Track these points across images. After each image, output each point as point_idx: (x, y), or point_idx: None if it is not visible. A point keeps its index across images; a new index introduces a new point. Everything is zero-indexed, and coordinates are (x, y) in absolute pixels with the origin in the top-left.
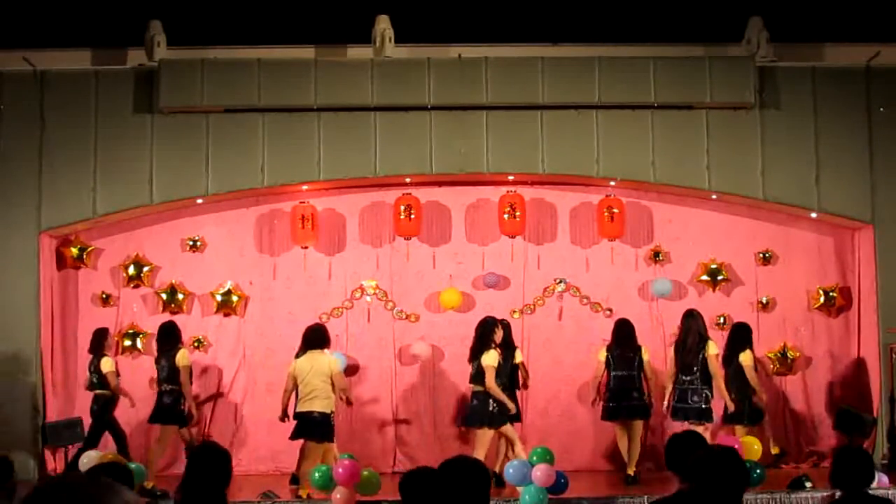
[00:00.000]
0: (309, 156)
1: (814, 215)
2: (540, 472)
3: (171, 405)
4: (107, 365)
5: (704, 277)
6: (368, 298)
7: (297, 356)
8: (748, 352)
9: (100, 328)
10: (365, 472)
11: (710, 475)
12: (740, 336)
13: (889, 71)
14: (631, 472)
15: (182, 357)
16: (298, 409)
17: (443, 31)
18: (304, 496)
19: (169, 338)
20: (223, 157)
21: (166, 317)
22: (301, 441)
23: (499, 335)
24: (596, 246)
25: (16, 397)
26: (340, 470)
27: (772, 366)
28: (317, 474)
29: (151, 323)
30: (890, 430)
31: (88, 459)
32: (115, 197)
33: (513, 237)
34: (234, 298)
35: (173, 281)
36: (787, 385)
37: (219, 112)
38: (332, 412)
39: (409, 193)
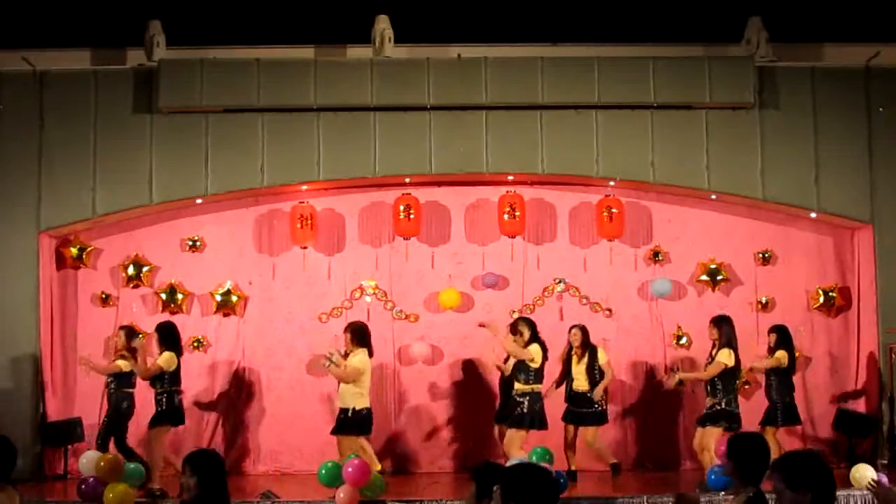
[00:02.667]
0: (308, 156)
1: (813, 215)
2: None
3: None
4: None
5: (704, 277)
6: (368, 298)
7: (351, 352)
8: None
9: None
10: (373, 474)
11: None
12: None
13: (888, 71)
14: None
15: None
16: (367, 405)
17: (442, 31)
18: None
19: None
20: (222, 158)
21: (166, 316)
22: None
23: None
24: (595, 246)
25: (16, 397)
26: (350, 469)
27: None
28: (323, 470)
29: (151, 323)
30: (890, 430)
31: (87, 459)
32: (115, 197)
33: (512, 237)
34: (234, 298)
35: (173, 281)
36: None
37: (218, 112)
38: None
39: (409, 193)
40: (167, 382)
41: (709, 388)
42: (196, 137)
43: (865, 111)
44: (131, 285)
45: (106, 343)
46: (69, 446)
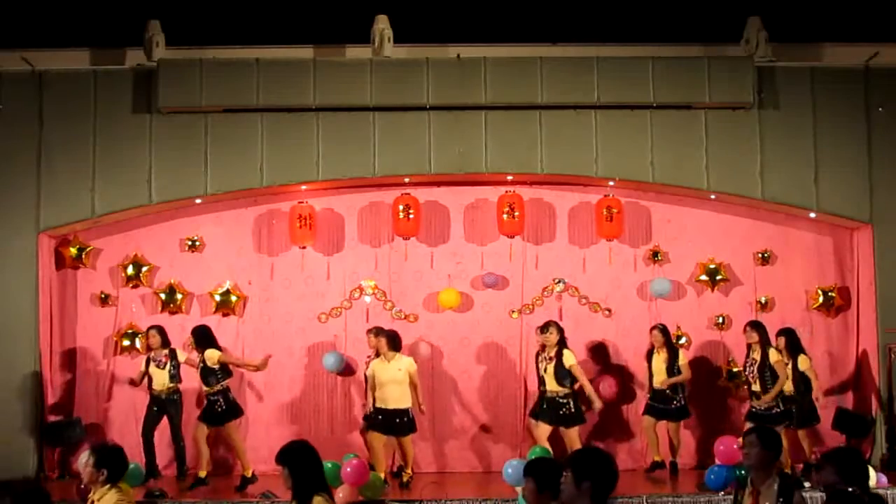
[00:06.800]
0: (307, 156)
1: (812, 215)
2: None
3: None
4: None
5: (703, 277)
6: (367, 298)
7: (391, 358)
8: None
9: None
10: (372, 474)
11: None
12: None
13: (888, 71)
14: None
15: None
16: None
17: (441, 31)
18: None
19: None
20: (222, 157)
21: (165, 317)
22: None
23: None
24: (595, 246)
25: (15, 397)
26: (349, 469)
27: None
28: None
29: (150, 323)
30: (889, 429)
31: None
32: (114, 197)
33: (511, 237)
34: (233, 298)
35: (172, 281)
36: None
37: (217, 112)
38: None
39: (408, 193)
40: (220, 378)
41: (760, 389)
42: (195, 137)
43: (864, 111)
44: (131, 285)
45: (106, 343)
46: (69, 446)
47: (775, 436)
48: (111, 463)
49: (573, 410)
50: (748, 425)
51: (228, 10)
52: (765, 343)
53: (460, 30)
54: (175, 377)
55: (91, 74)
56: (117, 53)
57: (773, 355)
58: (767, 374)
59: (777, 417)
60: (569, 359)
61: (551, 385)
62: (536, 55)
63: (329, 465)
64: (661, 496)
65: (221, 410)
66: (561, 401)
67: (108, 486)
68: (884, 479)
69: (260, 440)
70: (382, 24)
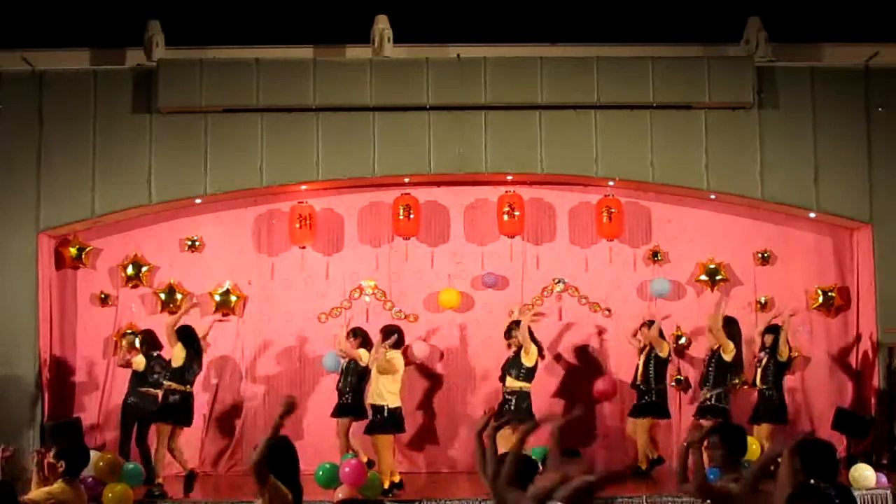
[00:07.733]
0: (307, 156)
1: (812, 215)
2: None
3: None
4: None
5: (703, 277)
6: (367, 298)
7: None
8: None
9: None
10: (370, 474)
11: None
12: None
13: (888, 71)
14: None
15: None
16: (399, 404)
17: (441, 31)
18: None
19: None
20: (222, 157)
21: (165, 317)
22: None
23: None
24: (595, 246)
25: (15, 397)
26: (347, 469)
27: None
28: (321, 472)
29: (150, 323)
30: (889, 430)
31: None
32: (114, 197)
33: (511, 237)
34: (233, 298)
35: (172, 281)
36: (786, 385)
37: (217, 112)
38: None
39: (408, 193)
40: (168, 377)
41: (701, 380)
42: (195, 137)
43: (864, 111)
44: (130, 285)
45: (106, 343)
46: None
47: (738, 435)
48: (70, 456)
49: (512, 408)
50: (698, 419)
51: (228, 10)
52: (730, 338)
53: (460, 30)
54: (157, 384)
55: (91, 74)
56: (117, 53)
57: (726, 349)
58: (712, 366)
59: (725, 411)
60: (529, 359)
61: (508, 380)
62: (536, 55)
63: (328, 465)
64: (662, 496)
65: (173, 408)
66: (508, 397)
67: (61, 479)
68: (884, 479)
69: (258, 440)
70: (382, 24)
